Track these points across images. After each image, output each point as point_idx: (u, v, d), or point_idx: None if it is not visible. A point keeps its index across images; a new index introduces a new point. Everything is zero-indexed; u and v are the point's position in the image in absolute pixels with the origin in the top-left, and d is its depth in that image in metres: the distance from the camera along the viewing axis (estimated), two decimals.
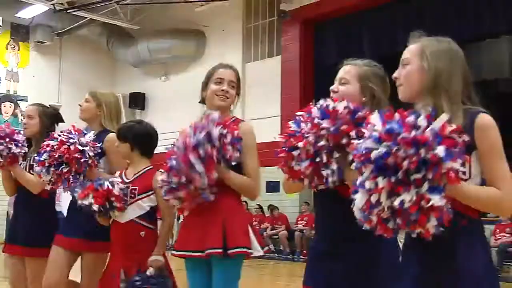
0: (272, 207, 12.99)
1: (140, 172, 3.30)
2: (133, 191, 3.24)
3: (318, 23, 13.12)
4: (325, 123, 2.02)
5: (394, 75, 2.00)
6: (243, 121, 2.90)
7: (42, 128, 3.92)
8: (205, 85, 2.98)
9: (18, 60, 16.33)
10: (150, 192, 3.23)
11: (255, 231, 2.80)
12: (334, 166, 2.02)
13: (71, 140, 3.42)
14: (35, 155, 3.63)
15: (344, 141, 1.99)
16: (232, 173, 2.69)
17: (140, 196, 3.23)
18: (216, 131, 2.60)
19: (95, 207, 3.17)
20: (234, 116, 2.93)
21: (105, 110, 3.72)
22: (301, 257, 11.84)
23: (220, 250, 2.62)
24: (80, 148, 3.40)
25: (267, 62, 13.98)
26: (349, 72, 2.32)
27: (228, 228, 2.66)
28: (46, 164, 3.39)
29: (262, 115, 12.81)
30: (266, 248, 12.14)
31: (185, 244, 2.75)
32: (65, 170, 3.38)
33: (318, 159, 2.02)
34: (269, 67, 13.67)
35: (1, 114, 15.79)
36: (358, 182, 1.65)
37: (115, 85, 17.26)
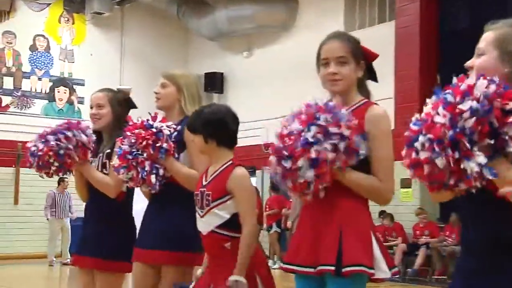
0: (384, 214, 12.62)
1: (217, 172, 3.32)
2: (207, 197, 3.27)
3: None
4: (468, 104, 1.97)
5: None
6: (375, 104, 2.87)
7: (115, 118, 4.06)
8: (317, 66, 2.95)
9: (73, 36, 16.59)
10: (226, 198, 3.24)
11: (382, 246, 2.81)
12: (482, 158, 1.96)
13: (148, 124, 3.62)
14: (108, 150, 3.91)
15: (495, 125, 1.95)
16: (355, 173, 2.72)
17: (214, 204, 3.25)
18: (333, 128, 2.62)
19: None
20: (362, 99, 2.89)
21: (185, 94, 3.83)
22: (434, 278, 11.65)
23: (332, 268, 2.64)
24: (154, 129, 3.57)
25: (376, 29, 13.59)
26: (485, 39, 2.29)
27: (345, 239, 2.68)
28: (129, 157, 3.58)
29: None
30: (395, 269, 11.97)
31: (295, 256, 2.80)
32: (141, 158, 3.55)
33: (457, 152, 1.97)
34: (379, 36, 13.17)
35: (55, 101, 16.11)
36: None
37: (187, 63, 17.40)
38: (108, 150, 3.97)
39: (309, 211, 2.81)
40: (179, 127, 3.68)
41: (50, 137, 3.89)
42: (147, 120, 3.66)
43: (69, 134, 3.88)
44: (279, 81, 15.12)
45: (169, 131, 3.63)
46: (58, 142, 3.87)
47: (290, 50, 15.02)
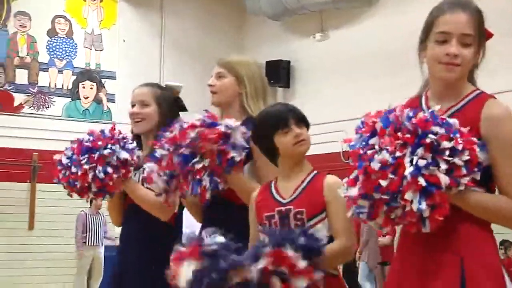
0: (507, 244, 12.48)
1: (304, 184, 3.39)
2: (298, 216, 3.33)
3: None
4: None
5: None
6: (493, 97, 2.82)
7: (161, 121, 4.10)
8: (422, 40, 2.91)
9: (102, 18, 16.85)
10: (324, 214, 3.32)
11: None
12: None
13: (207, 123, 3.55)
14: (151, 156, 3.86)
15: None
16: (476, 194, 2.68)
17: (312, 222, 3.31)
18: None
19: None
20: (474, 90, 2.86)
21: (248, 86, 3.87)
22: None
23: None
24: (226, 131, 3.51)
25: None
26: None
27: (468, 275, 2.68)
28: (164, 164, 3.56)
29: (494, 87, 12.18)
30: None
31: None
32: (198, 167, 3.48)
33: None
34: (495, 7, 12.97)
35: (79, 99, 16.34)
36: None
37: (244, 50, 17.50)
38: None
39: (412, 242, 2.81)
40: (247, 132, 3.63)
41: (83, 158, 3.94)
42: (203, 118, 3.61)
43: (106, 152, 3.91)
44: (361, 71, 15.03)
45: (243, 135, 3.59)
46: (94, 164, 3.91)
47: (375, 32, 14.92)
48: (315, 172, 3.44)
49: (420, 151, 2.54)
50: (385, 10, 14.99)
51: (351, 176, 2.69)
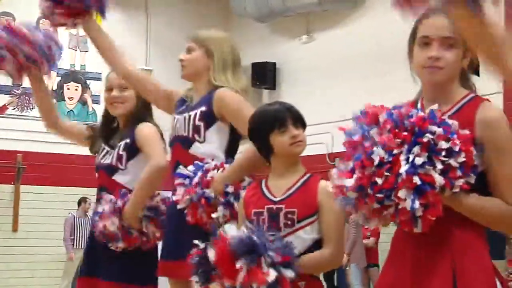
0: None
1: (298, 184, 3.42)
2: (288, 216, 3.33)
3: None
4: None
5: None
6: (487, 100, 2.82)
7: (138, 105, 4.38)
8: (410, 47, 2.93)
9: None
10: (315, 217, 3.34)
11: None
12: None
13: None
14: (127, 140, 4.28)
15: None
16: (472, 197, 2.66)
17: (302, 224, 3.33)
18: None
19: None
20: (468, 94, 2.85)
21: (216, 58, 3.95)
22: None
23: None
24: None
25: None
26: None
27: (460, 276, 2.69)
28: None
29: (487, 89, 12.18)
30: None
31: None
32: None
33: None
34: None
35: (64, 101, 16.32)
36: None
37: None
38: (127, 140, 4.31)
39: (405, 243, 2.82)
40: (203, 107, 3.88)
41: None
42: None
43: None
44: (347, 73, 15.04)
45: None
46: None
47: (361, 34, 14.94)
48: (309, 174, 3.46)
49: (416, 149, 2.54)
50: (371, 12, 15.00)
51: (347, 166, 2.68)
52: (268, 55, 17.10)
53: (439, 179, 2.53)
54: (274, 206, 3.37)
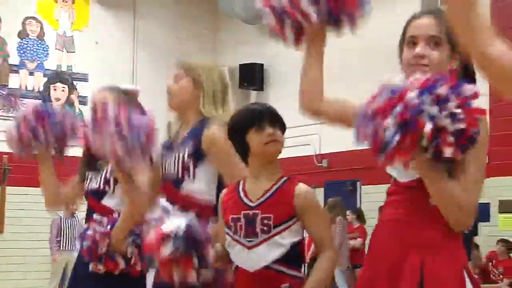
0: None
1: (274, 188, 3.38)
2: (265, 221, 3.31)
3: None
4: None
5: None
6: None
7: None
8: (400, 49, 2.96)
9: (73, 20, 16.83)
10: (292, 221, 3.30)
11: (477, 286, 2.82)
12: None
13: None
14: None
15: None
16: (442, 172, 2.63)
17: (278, 229, 3.30)
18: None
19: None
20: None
21: (205, 90, 3.90)
22: None
23: None
24: None
25: None
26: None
27: (427, 275, 2.70)
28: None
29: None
30: None
31: None
32: None
33: None
34: None
35: (50, 101, 16.17)
36: None
37: (218, 53, 17.55)
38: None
39: (380, 239, 2.85)
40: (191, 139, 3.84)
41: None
42: None
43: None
44: (335, 75, 15.00)
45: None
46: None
47: (350, 36, 14.89)
48: (285, 177, 3.41)
49: (426, 97, 2.44)
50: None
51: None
52: (256, 56, 17.15)
53: (427, 127, 2.39)
54: (251, 212, 3.34)
